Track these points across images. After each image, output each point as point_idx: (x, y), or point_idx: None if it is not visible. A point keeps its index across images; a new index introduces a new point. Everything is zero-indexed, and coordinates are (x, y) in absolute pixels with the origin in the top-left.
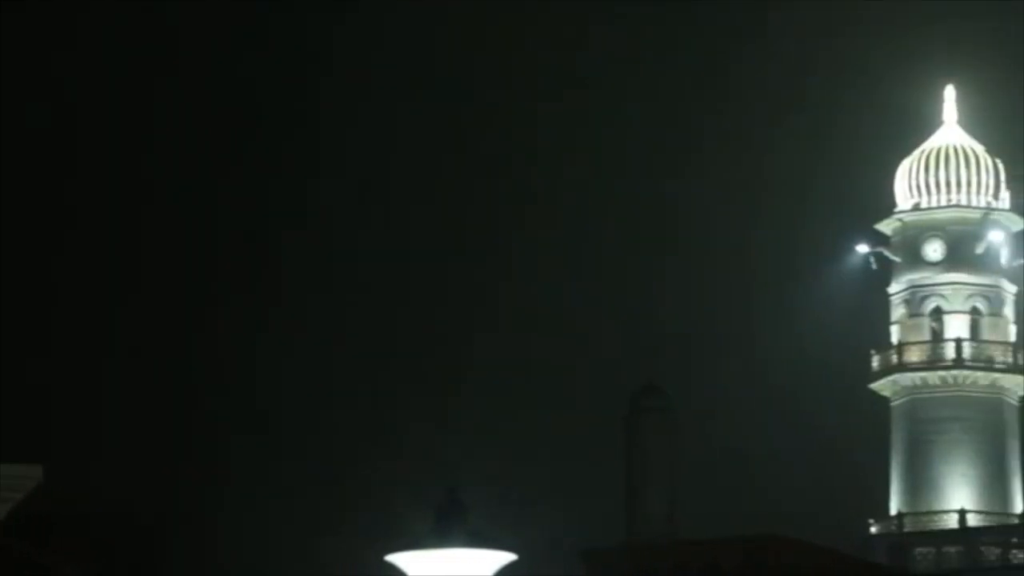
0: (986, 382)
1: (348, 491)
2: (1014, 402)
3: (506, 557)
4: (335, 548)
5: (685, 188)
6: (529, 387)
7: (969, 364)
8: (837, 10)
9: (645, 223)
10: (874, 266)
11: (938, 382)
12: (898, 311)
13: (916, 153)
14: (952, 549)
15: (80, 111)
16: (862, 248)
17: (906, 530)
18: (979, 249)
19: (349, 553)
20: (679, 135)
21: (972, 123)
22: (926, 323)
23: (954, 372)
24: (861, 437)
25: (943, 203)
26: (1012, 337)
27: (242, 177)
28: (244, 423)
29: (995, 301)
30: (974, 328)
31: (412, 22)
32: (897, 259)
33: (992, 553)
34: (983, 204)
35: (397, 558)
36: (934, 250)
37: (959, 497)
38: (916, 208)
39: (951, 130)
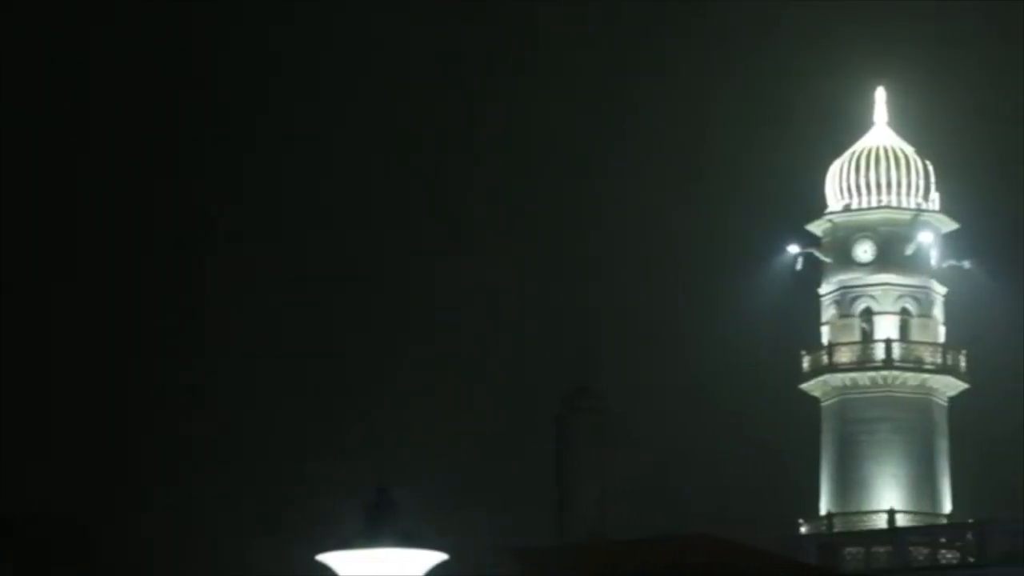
0: (915, 383)
1: (280, 491)
2: (943, 403)
3: (437, 557)
4: (267, 548)
5: (615, 187)
6: (461, 387)
7: (899, 365)
8: (767, 10)
9: (575, 223)
10: (800, 267)
11: (868, 383)
12: (828, 312)
13: (847, 154)
14: (881, 549)
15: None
16: (793, 249)
17: (835, 530)
18: (909, 250)
19: (281, 553)
20: (608, 134)
21: (902, 124)
22: (856, 324)
23: (884, 373)
24: (791, 437)
25: (873, 204)
26: (941, 338)
27: (176, 176)
28: (175, 424)
29: (925, 302)
30: (904, 329)
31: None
32: (828, 260)
33: (920, 553)
34: (913, 205)
35: (328, 558)
36: (864, 251)
37: (888, 497)
38: (847, 209)
39: (882, 131)
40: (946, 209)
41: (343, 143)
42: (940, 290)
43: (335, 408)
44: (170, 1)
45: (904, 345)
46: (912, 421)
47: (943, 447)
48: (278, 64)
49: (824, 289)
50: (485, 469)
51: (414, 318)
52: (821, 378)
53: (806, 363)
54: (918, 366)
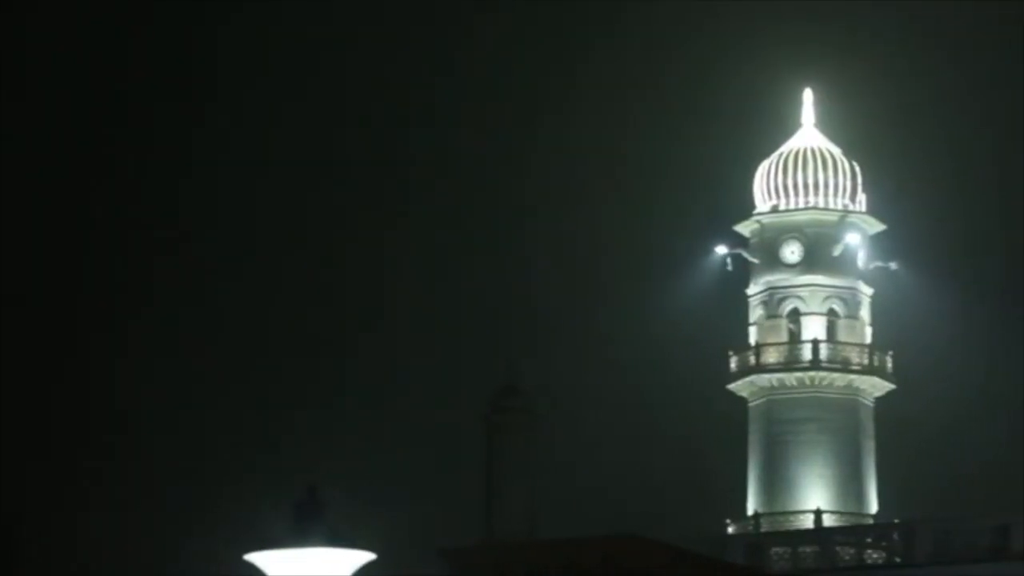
0: (842, 383)
1: (210, 491)
2: (869, 403)
3: (364, 556)
4: (196, 548)
5: (543, 187)
6: (390, 386)
7: (825, 365)
8: (695, 10)
9: (503, 223)
10: (730, 267)
11: (795, 383)
12: (756, 312)
13: (774, 155)
14: (808, 549)
15: None
16: (721, 249)
17: (762, 530)
18: (836, 251)
19: (210, 553)
20: (536, 134)
21: (830, 126)
22: (783, 324)
23: (811, 373)
24: (719, 438)
25: (801, 205)
26: (868, 339)
27: (111, 179)
28: (104, 423)
29: (851, 303)
30: (831, 330)
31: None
32: (755, 260)
33: (847, 553)
34: (840, 207)
35: (256, 557)
36: (792, 252)
37: (815, 497)
38: (774, 210)
39: (809, 133)
40: (873, 210)
41: (278, 165)
42: (867, 291)
43: (265, 408)
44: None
45: (831, 346)
46: (839, 422)
47: (869, 447)
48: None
49: (752, 290)
50: (414, 469)
51: (342, 319)
52: (748, 379)
53: (733, 363)
54: (845, 367)
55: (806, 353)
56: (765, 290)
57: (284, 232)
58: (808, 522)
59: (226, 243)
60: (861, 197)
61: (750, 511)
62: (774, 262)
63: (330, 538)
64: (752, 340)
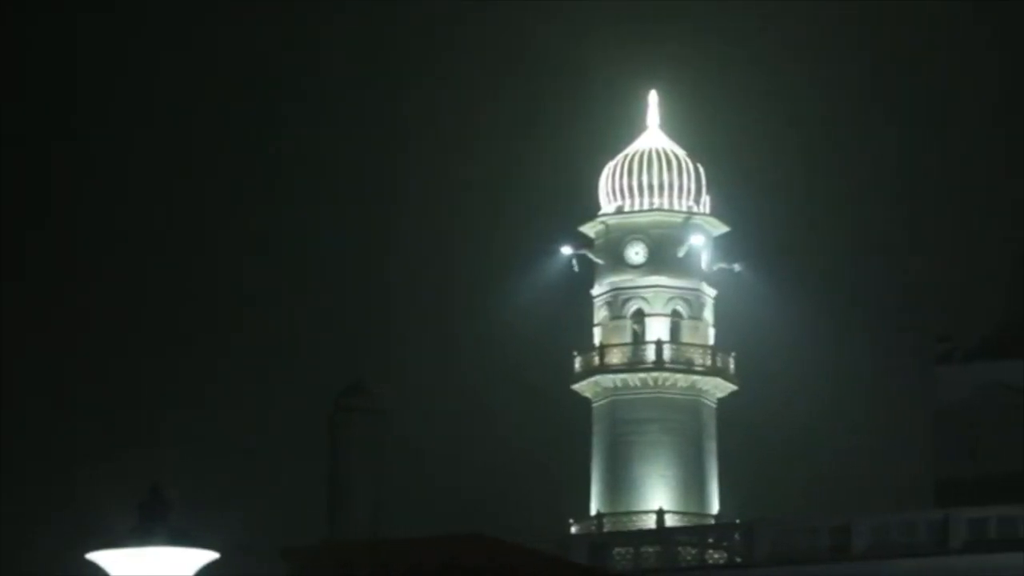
0: (685, 384)
1: (52, 489)
2: (712, 404)
3: (207, 556)
4: (38, 547)
5: (390, 188)
6: (235, 386)
7: (669, 366)
8: (540, 11)
9: (348, 222)
10: (576, 268)
11: (638, 384)
12: (600, 313)
13: (619, 157)
14: (650, 549)
15: None
16: (566, 250)
17: (605, 530)
18: (680, 252)
19: (52, 552)
20: (383, 134)
21: (674, 128)
22: (628, 325)
23: (654, 374)
24: (563, 438)
25: (645, 207)
26: (711, 340)
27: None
28: None
29: (695, 304)
30: (675, 331)
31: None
32: (600, 261)
33: (688, 553)
34: (685, 208)
35: (99, 556)
36: (636, 253)
37: (657, 497)
38: (619, 211)
39: (654, 134)
40: (717, 212)
41: (138, 166)
42: (710, 292)
43: (109, 406)
44: None
45: (674, 347)
46: (682, 422)
47: (712, 448)
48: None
49: (596, 290)
50: (258, 468)
51: (187, 317)
52: (592, 379)
53: (578, 364)
54: (688, 368)
55: (650, 354)
56: (609, 291)
57: (141, 232)
58: (650, 522)
59: (86, 242)
60: (705, 199)
61: (593, 511)
62: (619, 263)
63: (173, 537)
64: (596, 340)
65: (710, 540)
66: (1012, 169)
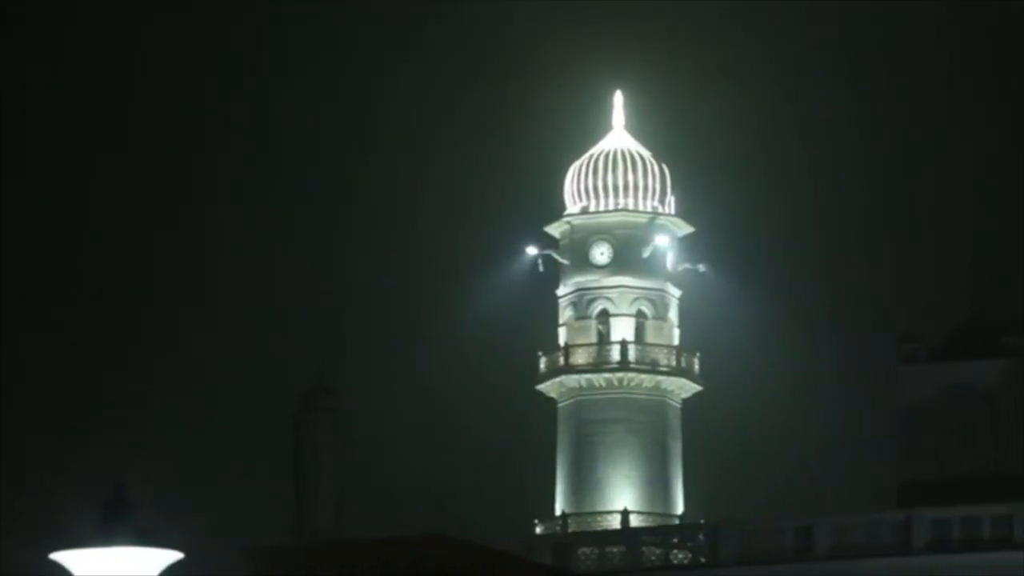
0: (650, 384)
1: (15, 489)
2: (677, 404)
3: (172, 556)
4: (2, 548)
5: (354, 188)
6: (199, 385)
7: (634, 367)
8: (506, 11)
9: (315, 221)
10: (541, 268)
11: (603, 384)
12: (566, 313)
13: (585, 157)
14: (615, 549)
15: None
16: (531, 250)
17: (570, 530)
18: (645, 253)
19: (16, 552)
20: (347, 134)
21: (640, 128)
22: (593, 325)
23: (619, 374)
24: (529, 438)
25: (611, 207)
26: (676, 340)
27: None
28: None
29: (660, 305)
30: (639, 331)
31: None
32: (565, 262)
33: (653, 553)
34: (649, 209)
35: (62, 556)
36: (601, 253)
37: (622, 498)
38: (584, 212)
39: (619, 135)
40: (682, 213)
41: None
42: (674, 293)
43: (73, 407)
44: None
45: (639, 347)
46: (646, 422)
47: (676, 448)
48: None
49: (561, 291)
50: (223, 468)
51: (151, 316)
52: (557, 379)
53: (543, 364)
54: (653, 368)
55: (615, 354)
56: (575, 291)
57: (106, 233)
58: (615, 522)
59: (46, 244)
60: (670, 199)
61: (558, 511)
62: (584, 263)
63: (137, 537)
64: (561, 341)
65: (675, 540)
66: (976, 170)
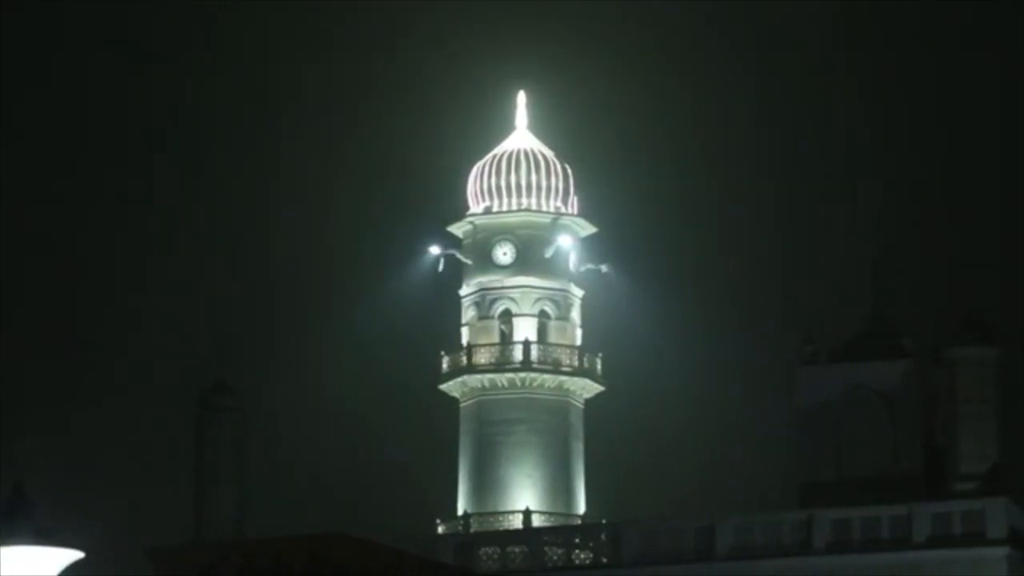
0: (553, 384)
1: None
2: (579, 405)
3: (72, 555)
4: None
5: (258, 187)
6: (99, 384)
7: (536, 367)
8: (409, 10)
9: (219, 222)
10: (441, 268)
11: (506, 384)
12: (468, 313)
13: (488, 157)
14: (517, 549)
15: None
16: (434, 250)
17: (472, 530)
18: (548, 253)
19: None
20: (252, 134)
21: (543, 128)
22: (495, 325)
23: (522, 375)
24: (431, 438)
25: (514, 207)
26: (578, 340)
27: None
28: None
29: (563, 305)
30: (542, 331)
31: None
32: (468, 261)
33: (555, 553)
34: (552, 209)
35: None
36: (504, 253)
37: (524, 498)
38: (487, 211)
39: (522, 135)
40: (585, 213)
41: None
42: (577, 293)
43: None
44: None
45: (542, 347)
46: (549, 423)
47: (578, 448)
48: None
49: (464, 290)
50: (124, 468)
51: (52, 314)
52: (460, 379)
53: (446, 364)
54: (555, 368)
55: (517, 354)
56: (477, 291)
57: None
58: (517, 522)
59: None
60: (573, 200)
61: (460, 511)
62: (486, 263)
63: (36, 536)
64: (464, 341)
65: (576, 540)
66: (877, 170)
